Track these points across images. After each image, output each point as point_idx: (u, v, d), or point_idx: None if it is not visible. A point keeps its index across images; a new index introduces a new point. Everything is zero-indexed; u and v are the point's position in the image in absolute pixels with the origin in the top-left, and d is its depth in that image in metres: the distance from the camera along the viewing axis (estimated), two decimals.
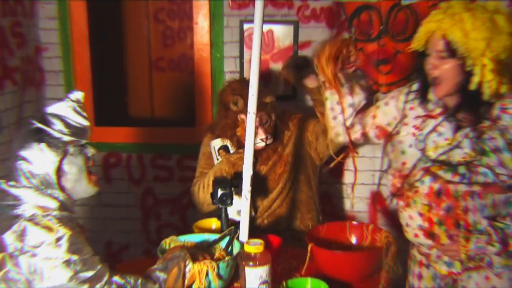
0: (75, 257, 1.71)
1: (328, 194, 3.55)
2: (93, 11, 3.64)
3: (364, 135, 2.39)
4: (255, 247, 1.98)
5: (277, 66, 3.41)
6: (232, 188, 2.44)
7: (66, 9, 3.49)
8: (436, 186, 2.02)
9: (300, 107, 3.46)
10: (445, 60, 1.93)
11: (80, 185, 1.90)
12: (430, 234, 2.08)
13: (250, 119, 2.16)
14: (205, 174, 2.83)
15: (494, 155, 1.92)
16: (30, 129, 1.83)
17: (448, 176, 2.00)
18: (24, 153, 1.79)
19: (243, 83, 2.75)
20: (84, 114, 1.91)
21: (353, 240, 2.38)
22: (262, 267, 1.97)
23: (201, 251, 2.15)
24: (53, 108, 1.86)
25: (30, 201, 1.77)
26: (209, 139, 2.90)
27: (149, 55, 4.26)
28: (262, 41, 3.27)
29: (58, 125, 1.83)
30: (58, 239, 1.70)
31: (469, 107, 1.96)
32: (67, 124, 1.84)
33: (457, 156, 1.98)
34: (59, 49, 3.55)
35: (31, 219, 1.72)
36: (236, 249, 2.20)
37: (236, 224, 2.29)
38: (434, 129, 2.05)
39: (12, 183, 1.80)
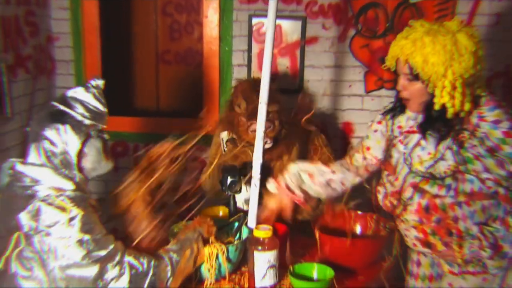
0: (87, 237, 1.75)
1: None
2: (104, 3, 3.70)
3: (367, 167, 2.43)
4: (264, 232, 2.05)
5: (284, 60, 3.48)
6: (241, 177, 2.51)
7: (79, 0, 3.55)
8: (423, 202, 2.08)
9: (305, 101, 3.54)
10: (411, 82, 2.00)
11: (98, 165, 1.96)
12: (426, 244, 2.14)
13: (261, 109, 2.22)
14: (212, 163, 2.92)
15: (478, 162, 1.98)
16: (53, 110, 1.87)
17: (434, 189, 2.06)
18: (48, 133, 1.83)
19: (251, 86, 2.78)
20: (103, 100, 1.96)
21: (358, 229, 2.45)
22: (270, 252, 2.03)
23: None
24: (74, 92, 1.91)
25: (46, 181, 1.80)
26: (219, 130, 2.98)
27: (156, 48, 4.31)
28: None
29: (80, 108, 1.88)
30: (71, 219, 1.74)
31: (437, 124, 2.02)
32: (87, 109, 1.89)
33: (442, 168, 2.03)
34: (70, 39, 3.61)
35: (45, 200, 1.76)
36: (244, 235, 2.27)
37: (244, 212, 2.36)
38: (418, 143, 2.12)
39: (30, 162, 1.84)
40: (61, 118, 1.85)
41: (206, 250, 2.06)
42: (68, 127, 1.84)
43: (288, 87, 3.52)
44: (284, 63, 3.49)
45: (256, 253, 2.03)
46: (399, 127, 2.22)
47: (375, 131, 2.36)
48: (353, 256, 2.22)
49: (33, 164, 1.83)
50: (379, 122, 2.34)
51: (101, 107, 1.94)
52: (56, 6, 3.54)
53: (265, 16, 3.40)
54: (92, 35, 3.62)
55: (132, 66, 4.32)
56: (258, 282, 2.05)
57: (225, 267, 2.08)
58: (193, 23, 4.25)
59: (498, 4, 3.29)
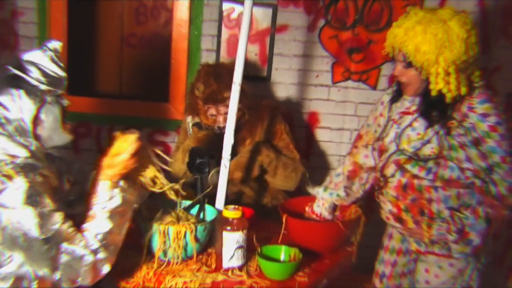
0: (31, 209, 1.65)
1: None
2: None
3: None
4: (233, 212, 2.04)
5: (253, 47, 3.47)
6: (209, 158, 2.49)
7: None
8: (403, 180, 2.15)
9: (273, 89, 3.54)
10: (407, 69, 2.07)
11: (55, 134, 1.85)
12: (398, 219, 2.21)
13: (235, 89, 2.21)
14: (178, 147, 2.91)
15: (462, 151, 2.03)
16: (6, 75, 1.77)
17: (415, 170, 2.12)
18: (1, 99, 1.74)
19: (213, 72, 2.79)
20: (61, 64, 1.86)
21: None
22: (239, 232, 2.03)
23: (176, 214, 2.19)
24: (29, 56, 1.81)
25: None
26: (187, 115, 2.98)
27: (121, 31, 4.24)
28: (239, 21, 3.37)
29: (35, 73, 1.78)
30: (16, 189, 1.65)
31: (433, 109, 2.08)
32: (44, 73, 1.79)
33: (427, 150, 2.09)
34: (35, 15, 3.52)
35: None
36: (208, 217, 2.26)
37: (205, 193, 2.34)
38: (410, 124, 2.17)
39: None
40: (15, 82, 1.76)
41: (174, 229, 2.04)
42: (22, 92, 1.75)
43: (256, 74, 3.52)
44: (253, 50, 3.49)
45: (225, 233, 2.02)
46: (396, 106, 2.27)
47: (379, 125, 2.39)
48: (318, 239, 2.24)
49: None
50: (381, 115, 2.37)
51: (59, 71, 1.84)
52: None
53: (237, 1, 3.43)
54: (58, 13, 3.54)
55: (96, 47, 4.24)
56: (225, 262, 2.05)
57: (193, 246, 2.07)
58: (160, 8, 4.20)
59: (466, 2, 3.33)
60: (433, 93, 2.02)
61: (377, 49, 3.47)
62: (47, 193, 1.73)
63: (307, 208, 2.50)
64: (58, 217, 1.71)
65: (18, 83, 1.76)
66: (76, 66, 3.81)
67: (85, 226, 1.79)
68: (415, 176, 2.11)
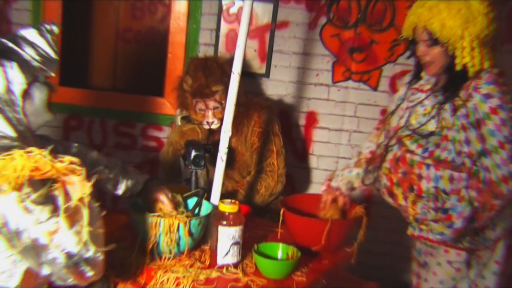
0: (15, 193, 1.46)
1: (290, 177, 3.54)
2: None
3: None
4: (230, 206, 1.95)
5: (252, 43, 3.39)
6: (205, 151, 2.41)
7: None
8: (398, 153, 2.20)
9: (272, 86, 3.46)
10: (431, 47, 2.08)
11: (40, 113, 1.79)
12: (390, 193, 2.23)
13: (234, 79, 2.13)
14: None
15: (463, 132, 2.04)
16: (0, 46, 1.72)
17: (413, 146, 2.16)
18: None
19: (202, 64, 2.73)
20: (55, 48, 1.80)
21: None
22: (235, 227, 1.95)
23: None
24: (25, 33, 1.76)
25: None
26: (177, 108, 2.91)
27: (117, 25, 4.16)
28: (239, 16, 3.30)
29: (29, 49, 1.73)
30: None
31: (455, 85, 2.08)
32: (38, 52, 1.75)
33: (430, 126, 2.11)
34: (29, 2, 3.42)
35: None
36: (204, 211, 2.17)
37: (203, 188, 2.26)
38: (420, 102, 2.18)
39: None
40: (7, 54, 1.69)
41: (167, 222, 1.94)
42: (14, 64, 1.69)
43: (255, 71, 3.43)
44: (252, 46, 3.40)
45: (220, 228, 1.94)
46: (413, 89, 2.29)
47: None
48: (317, 237, 2.14)
49: None
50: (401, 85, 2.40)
51: (52, 54, 1.78)
52: None
53: None
54: (52, 2, 3.44)
55: (90, 41, 4.15)
56: (220, 259, 1.95)
57: (186, 241, 1.97)
58: (157, 3, 4.12)
59: None
60: (458, 67, 2.03)
61: (379, 50, 3.40)
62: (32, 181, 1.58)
63: (322, 187, 2.45)
64: (45, 210, 1.55)
65: (10, 55, 1.70)
66: (69, 58, 3.72)
67: None
68: (409, 151, 2.15)
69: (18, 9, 3.41)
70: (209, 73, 2.66)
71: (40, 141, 1.82)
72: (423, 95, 2.19)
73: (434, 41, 2.04)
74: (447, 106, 2.07)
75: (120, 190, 2.08)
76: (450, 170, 2.06)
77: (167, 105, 3.51)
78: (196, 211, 2.19)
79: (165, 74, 3.53)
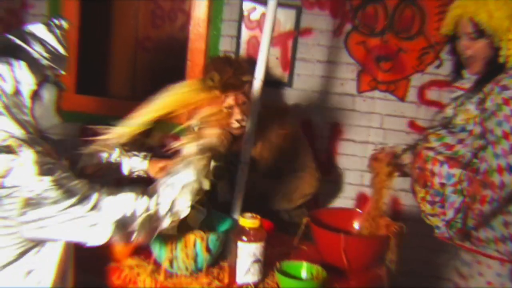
0: (48, 179, 1.49)
1: None
2: None
3: None
4: (251, 221, 1.82)
5: (274, 50, 3.26)
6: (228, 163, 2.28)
7: None
8: (418, 148, 2.19)
9: (295, 96, 3.32)
10: (475, 40, 2.05)
11: (47, 116, 1.70)
12: (412, 189, 2.22)
13: (257, 84, 2.01)
14: None
15: (480, 126, 2.00)
16: (6, 44, 1.61)
17: (436, 143, 2.12)
18: None
19: (224, 60, 2.63)
20: (65, 43, 1.71)
21: (356, 227, 2.23)
22: (256, 244, 1.81)
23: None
24: (33, 28, 1.66)
25: None
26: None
27: (136, 33, 4.07)
28: (260, 22, 3.18)
29: (37, 46, 1.63)
30: (24, 162, 1.49)
31: (489, 78, 2.04)
32: (46, 49, 1.65)
33: (458, 119, 2.09)
34: (46, 7, 3.33)
35: None
36: (221, 225, 2.03)
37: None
38: (457, 98, 2.17)
39: None
40: (15, 53, 1.59)
41: (183, 237, 1.81)
42: (23, 63, 1.58)
43: (277, 79, 3.30)
44: (275, 54, 3.28)
45: (240, 244, 1.80)
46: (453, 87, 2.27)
47: None
48: (345, 253, 1.98)
49: None
50: None
51: (62, 50, 1.69)
52: None
53: (258, 1, 3.24)
54: (70, 8, 3.35)
55: (109, 49, 4.06)
56: (240, 277, 1.81)
57: (204, 258, 1.84)
58: (177, 11, 4.02)
59: None
60: (502, 59, 2.00)
61: (407, 58, 3.25)
62: (59, 161, 1.60)
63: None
64: (82, 181, 1.57)
65: (19, 54, 1.60)
66: (86, 66, 3.64)
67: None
68: (428, 148, 2.12)
69: (35, 14, 3.31)
70: (236, 65, 2.56)
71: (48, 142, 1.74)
72: (460, 92, 2.16)
73: (479, 33, 2.01)
74: (475, 99, 2.03)
75: (125, 169, 2.08)
76: (465, 171, 2.00)
77: (185, 115, 3.39)
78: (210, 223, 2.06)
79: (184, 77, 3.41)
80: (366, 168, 3.29)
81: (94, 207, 1.52)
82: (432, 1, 3.17)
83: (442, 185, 2.03)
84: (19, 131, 1.60)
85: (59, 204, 1.48)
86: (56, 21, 1.71)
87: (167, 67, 3.99)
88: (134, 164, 2.10)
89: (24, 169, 1.48)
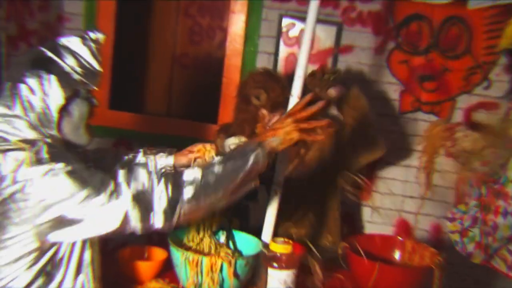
0: (61, 165, 1.42)
1: (349, 216, 3.25)
2: None
3: None
4: (282, 246, 1.69)
5: (313, 68, 3.15)
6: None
7: None
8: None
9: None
10: None
11: (76, 133, 1.62)
12: None
13: (292, 102, 1.89)
14: None
15: None
16: (38, 56, 1.54)
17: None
18: (28, 79, 1.50)
19: (267, 75, 2.51)
20: (99, 58, 1.63)
21: (397, 256, 2.08)
22: (287, 271, 1.69)
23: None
24: (67, 41, 1.58)
25: (17, 136, 1.49)
26: (222, 141, 2.60)
27: (174, 50, 4.02)
28: (299, 38, 3.07)
29: (70, 60, 1.55)
30: (36, 153, 1.43)
31: None
32: (80, 63, 1.57)
33: None
34: (82, 22, 3.30)
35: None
36: (249, 249, 1.92)
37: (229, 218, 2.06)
38: None
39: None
40: (46, 66, 1.52)
41: (208, 260, 1.70)
42: (53, 77, 1.51)
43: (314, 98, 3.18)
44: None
45: (270, 271, 1.67)
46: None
47: None
48: (385, 284, 1.84)
49: (4, 116, 1.50)
50: None
51: (96, 65, 1.61)
52: None
53: (297, 17, 3.14)
54: (107, 21, 3.32)
55: (145, 65, 4.02)
56: None
57: (231, 283, 1.72)
58: (216, 28, 3.96)
59: None
60: None
61: (453, 78, 3.11)
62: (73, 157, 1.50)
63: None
64: (96, 171, 1.49)
65: (50, 67, 1.53)
66: (121, 81, 3.60)
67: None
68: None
69: (71, 28, 3.29)
70: (283, 82, 2.44)
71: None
72: None
73: None
74: None
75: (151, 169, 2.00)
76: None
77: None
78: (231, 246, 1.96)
79: (219, 99, 3.33)
80: (407, 193, 3.19)
81: (112, 193, 1.43)
82: (480, 19, 3.03)
83: (466, 204, 1.99)
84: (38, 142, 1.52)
85: (76, 196, 1.41)
86: (92, 35, 1.64)
87: (204, 85, 3.92)
88: (161, 161, 2.02)
89: (36, 158, 1.42)
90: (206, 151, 1.92)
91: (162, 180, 1.47)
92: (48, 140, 1.51)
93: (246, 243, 1.97)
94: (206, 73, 3.97)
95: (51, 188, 1.40)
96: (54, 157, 1.43)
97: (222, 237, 2.01)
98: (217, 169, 1.53)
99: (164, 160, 2.02)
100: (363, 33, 3.13)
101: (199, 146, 1.96)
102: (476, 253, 1.95)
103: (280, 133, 1.64)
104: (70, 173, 1.41)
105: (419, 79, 3.14)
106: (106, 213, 1.42)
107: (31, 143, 1.46)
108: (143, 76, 4.02)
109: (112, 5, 3.29)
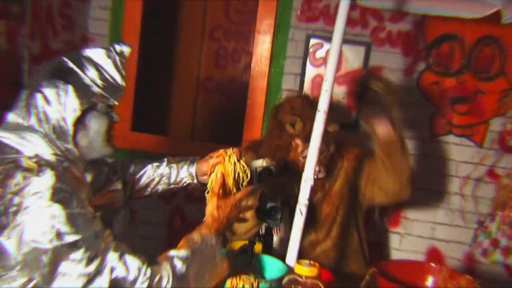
0: (59, 208, 1.31)
1: (378, 243, 3.12)
2: (149, 13, 3.38)
3: None
4: (308, 269, 1.59)
5: (340, 90, 3.07)
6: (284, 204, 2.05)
7: (122, 1, 3.23)
8: None
9: (361, 139, 3.09)
10: None
11: (94, 146, 1.56)
12: None
13: (320, 117, 1.81)
14: None
15: None
16: (59, 66, 1.49)
17: None
18: (44, 89, 1.45)
19: (305, 102, 2.36)
20: (123, 72, 1.57)
21: (429, 283, 1.95)
22: None
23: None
24: (91, 52, 1.54)
25: (30, 149, 1.42)
26: (250, 159, 2.47)
27: (198, 73, 3.98)
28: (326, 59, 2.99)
29: (92, 72, 1.49)
30: (41, 184, 1.34)
31: None
32: (102, 76, 1.51)
33: None
34: (107, 42, 3.27)
35: (16, 161, 1.39)
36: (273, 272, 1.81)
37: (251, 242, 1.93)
38: None
39: (14, 122, 1.45)
40: (65, 76, 1.46)
41: (229, 283, 1.60)
42: (70, 87, 1.45)
43: (343, 121, 3.07)
44: (340, 93, 3.08)
45: None
46: None
47: None
48: None
49: (18, 127, 1.44)
50: None
51: (119, 80, 1.55)
52: (96, 5, 3.22)
53: (325, 37, 3.06)
54: (131, 41, 3.27)
55: (169, 88, 3.98)
56: None
57: None
58: (241, 51, 3.92)
59: None
60: None
61: (486, 101, 3.00)
62: (80, 193, 1.41)
63: None
64: (94, 223, 1.39)
65: (69, 77, 1.47)
66: (144, 103, 3.55)
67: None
68: None
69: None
70: None
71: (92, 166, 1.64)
72: None
73: None
74: None
75: (173, 178, 2.04)
76: None
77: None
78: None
79: (244, 122, 3.25)
80: (438, 219, 3.05)
81: (92, 260, 1.34)
82: None
83: None
84: (52, 157, 1.45)
85: (62, 241, 1.32)
86: (118, 47, 1.60)
87: (228, 108, 3.87)
88: (183, 171, 2.03)
89: (38, 189, 1.32)
90: (226, 156, 1.86)
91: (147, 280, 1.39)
92: (61, 157, 1.45)
93: (270, 266, 1.87)
94: (230, 97, 3.92)
95: (42, 224, 1.31)
96: (59, 192, 1.34)
97: (245, 260, 1.90)
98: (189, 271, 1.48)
99: (186, 169, 2.03)
100: (393, 54, 3.05)
101: (220, 151, 1.90)
102: (490, 251, 1.84)
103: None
104: (67, 216, 1.33)
105: (450, 101, 3.04)
106: (75, 272, 1.33)
107: (42, 165, 1.39)
108: (167, 99, 3.99)
109: (137, 27, 3.26)
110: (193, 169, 2.00)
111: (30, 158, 1.40)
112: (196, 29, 3.92)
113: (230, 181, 1.83)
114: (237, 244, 1.91)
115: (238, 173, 1.85)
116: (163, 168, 2.03)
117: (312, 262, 1.62)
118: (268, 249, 2.04)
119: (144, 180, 2.03)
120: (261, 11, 3.12)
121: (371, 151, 2.39)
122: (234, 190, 1.82)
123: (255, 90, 3.20)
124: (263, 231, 2.11)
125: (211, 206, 1.73)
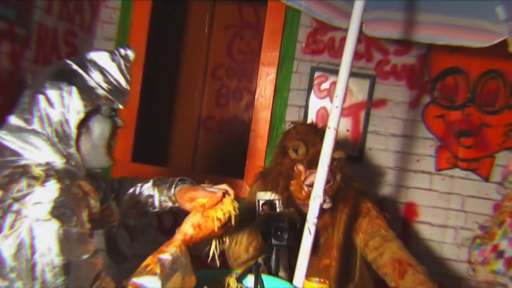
0: (56, 224, 1.26)
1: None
2: (153, 48, 3.39)
3: None
4: (318, 285, 1.52)
5: (345, 122, 3.04)
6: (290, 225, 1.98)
7: (127, 33, 3.24)
8: None
9: (365, 171, 3.05)
10: None
11: (96, 153, 1.51)
12: None
13: (330, 134, 1.77)
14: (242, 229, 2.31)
15: None
16: (62, 68, 1.46)
17: None
18: (48, 90, 1.41)
19: (310, 128, 2.29)
20: (128, 76, 1.54)
21: None
22: None
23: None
24: (95, 55, 1.50)
25: (32, 154, 1.38)
26: (258, 188, 2.41)
27: (200, 112, 3.98)
28: (331, 91, 2.99)
29: (96, 74, 1.47)
30: (44, 195, 1.29)
31: None
32: (106, 79, 1.48)
33: None
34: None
35: (23, 166, 1.35)
36: None
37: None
38: None
39: (16, 125, 1.41)
40: (69, 78, 1.42)
41: None
42: (74, 88, 1.41)
43: (346, 153, 3.03)
44: (345, 126, 3.05)
45: None
46: None
47: None
48: None
49: (20, 130, 1.40)
50: None
51: (123, 83, 1.52)
52: (101, 35, 3.24)
53: (330, 70, 3.06)
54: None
55: (170, 124, 3.97)
56: None
57: None
58: (243, 90, 3.93)
59: None
60: None
61: (492, 134, 2.98)
62: (82, 210, 1.34)
63: None
64: (89, 245, 1.32)
65: (73, 79, 1.44)
66: (145, 136, 3.52)
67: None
68: None
69: None
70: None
71: (91, 181, 1.52)
72: None
73: None
74: None
75: (157, 202, 1.85)
76: None
77: (246, 188, 3.15)
78: None
79: (247, 153, 3.20)
80: (445, 255, 2.98)
81: None
82: None
83: None
84: (59, 161, 1.41)
85: (53, 256, 1.26)
86: (122, 51, 1.57)
87: (229, 145, 3.85)
88: (164, 194, 1.85)
89: (39, 200, 1.28)
90: (222, 205, 1.61)
91: None
92: (64, 164, 1.41)
93: (275, 286, 1.79)
94: (231, 135, 3.90)
95: (37, 237, 1.25)
96: (60, 206, 1.29)
97: (250, 282, 1.83)
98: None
99: (167, 193, 1.84)
100: (397, 87, 3.05)
101: (212, 197, 1.63)
102: (491, 258, 1.78)
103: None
104: (63, 234, 1.27)
105: (456, 135, 3.02)
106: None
107: (49, 175, 1.34)
108: (168, 133, 3.96)
109: (140, 63, 3.24)
110: (171, 193, 1.83)
111: (39, 165, 1.35)
112: (198, 68, 3.93)
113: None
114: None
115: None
116: (148, 188, 1.88)
117: (322, 280, 1.56)
118: (274, 270, 1.97)
119: (133, 200, 1.92)
120: (266, 43, 3.12)
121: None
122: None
123: (259, 122, 3.17)
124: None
125: (190, 221, 1.59)
